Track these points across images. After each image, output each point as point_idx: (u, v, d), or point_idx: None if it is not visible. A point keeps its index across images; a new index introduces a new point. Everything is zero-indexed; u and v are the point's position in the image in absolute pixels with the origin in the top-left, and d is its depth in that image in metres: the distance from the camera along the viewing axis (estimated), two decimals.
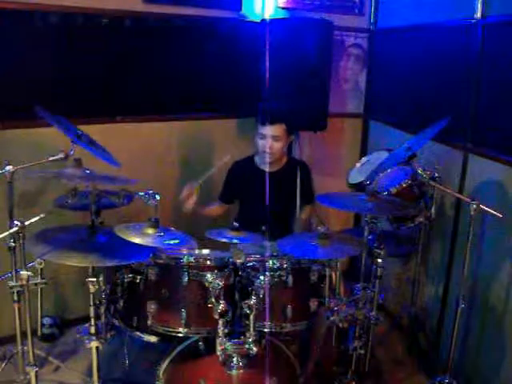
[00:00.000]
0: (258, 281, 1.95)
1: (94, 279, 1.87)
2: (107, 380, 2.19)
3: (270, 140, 2.54)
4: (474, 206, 2.02)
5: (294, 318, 2.01)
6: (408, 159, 2.39)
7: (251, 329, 1.84)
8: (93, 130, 2.34)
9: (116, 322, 2.08)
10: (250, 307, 1.84)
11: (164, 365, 2.02)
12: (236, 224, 2.13)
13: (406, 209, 2.39)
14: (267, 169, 2.64)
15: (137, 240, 1.79)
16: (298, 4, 3.10)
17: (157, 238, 1.85)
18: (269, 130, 2.53)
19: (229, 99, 3.08)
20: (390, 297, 3.07)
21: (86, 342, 1.96)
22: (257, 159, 2.70)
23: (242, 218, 2.65)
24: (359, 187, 2.57)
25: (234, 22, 2.96)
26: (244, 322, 1.92)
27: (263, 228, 2.31)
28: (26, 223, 1.96)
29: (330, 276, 2.04)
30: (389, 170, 2.46)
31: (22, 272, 1.92)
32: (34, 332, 2.07)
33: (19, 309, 2.04)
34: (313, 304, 2.04)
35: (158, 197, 1.97)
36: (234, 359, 1.93)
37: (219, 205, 2.78)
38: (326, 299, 2.04)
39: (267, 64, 2.70)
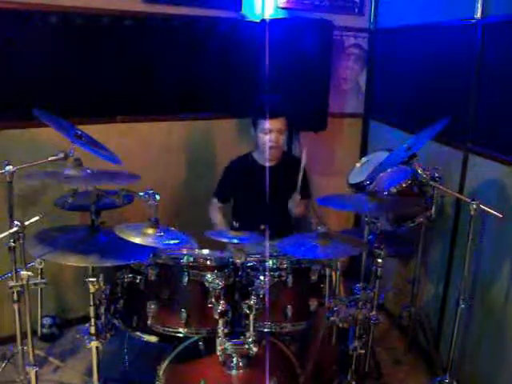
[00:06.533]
0: (258, 281, 1.95)
1: (94, 279, 1.87)
2: (107, 380, 2.19)
3: (275, 134, 2.53)
4: (474, 205, 2.02)
5: (294, 317, 2.01)
6: (408, 159, 2.39)
7: (251, 329, 1.84)
8: (93, 130, 2.34)
9: (116, 322, 2.08)
10: (249, 307, 1.84)
11: (164, 365, 2.02)
12: (236, 224, 2.12)
13: (406, 208, 2.40)
14: (268, 163, 2.62)
15: (137, 240, 1.79)
16: (297, 4, 3.09)
17: (157, 238, 1.85)
18: (274, 124, 2.51)
19: (229, 99, 3.08)
20: (390, 297, 3.07)
21: (86, 342, 1.97)
22: (256, 155, 2.68)
23: (238, 216, 2.63)
24: (359, 187, 2.56)
25: (233, 22, 2.96)
26: (244, 322, 1.92)
27: (262, 227, 2.30)
28: (26, 223, 1.96)
29: (330, 276, 2.04)
30: (389, 170, 2.46)
31: (22, 272, 1.92)
32: (34, 332, 2.06)
33: (19, 309, 2.04)
34: (313, 304, 2.04)
35: (157, 197, 1.96)
36: (234, 359, 1.93)
37: (218, 206, 2.74)
38: (326, 299, 2.04)
39: (267, 64, 2.70)
